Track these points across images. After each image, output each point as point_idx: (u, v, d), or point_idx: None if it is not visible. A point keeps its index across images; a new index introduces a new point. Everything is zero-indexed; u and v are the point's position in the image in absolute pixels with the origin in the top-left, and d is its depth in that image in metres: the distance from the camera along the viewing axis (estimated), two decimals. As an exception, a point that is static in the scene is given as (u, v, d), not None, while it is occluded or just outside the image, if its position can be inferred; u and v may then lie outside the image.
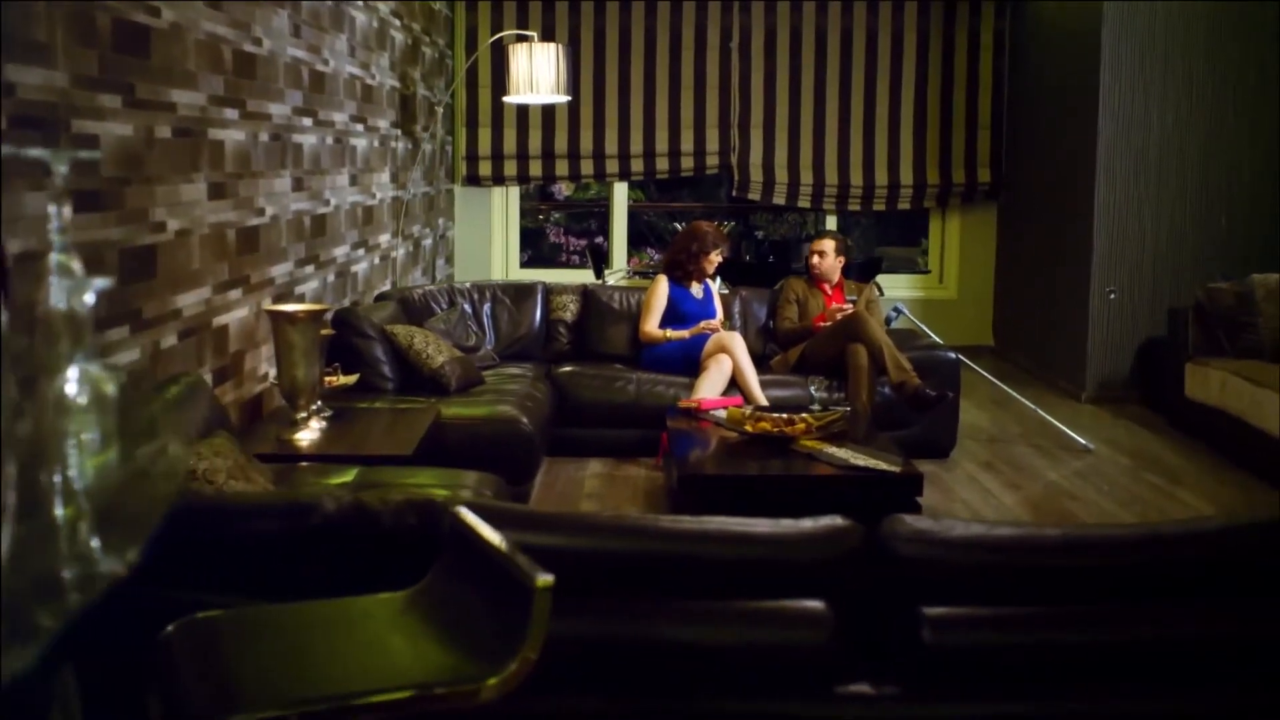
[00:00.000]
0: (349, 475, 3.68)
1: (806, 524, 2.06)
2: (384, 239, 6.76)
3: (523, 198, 10.47)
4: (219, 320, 4.14)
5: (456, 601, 1.48)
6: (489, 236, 9.23)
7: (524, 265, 9.72)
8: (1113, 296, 7.21)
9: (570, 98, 6.86)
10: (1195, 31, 7.07)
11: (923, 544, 2.03)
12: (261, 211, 4.57)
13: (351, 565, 2.12)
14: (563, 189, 11.12)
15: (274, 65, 4.69)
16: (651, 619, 1.95)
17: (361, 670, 1.39)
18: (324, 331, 4.27)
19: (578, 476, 5.53)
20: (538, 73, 6.56)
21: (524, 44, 6.57)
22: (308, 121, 5.18)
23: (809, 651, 1.96)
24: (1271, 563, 2.06)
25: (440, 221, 8.50)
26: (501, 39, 7.29)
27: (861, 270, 7.59)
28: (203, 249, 3.96)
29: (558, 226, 11.55)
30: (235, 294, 4.29)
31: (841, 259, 6.39)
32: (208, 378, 4.04)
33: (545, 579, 1.34)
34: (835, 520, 2.07)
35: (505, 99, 6.85)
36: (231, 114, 4.21)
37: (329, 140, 5.53)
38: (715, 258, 6.21)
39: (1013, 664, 1.98)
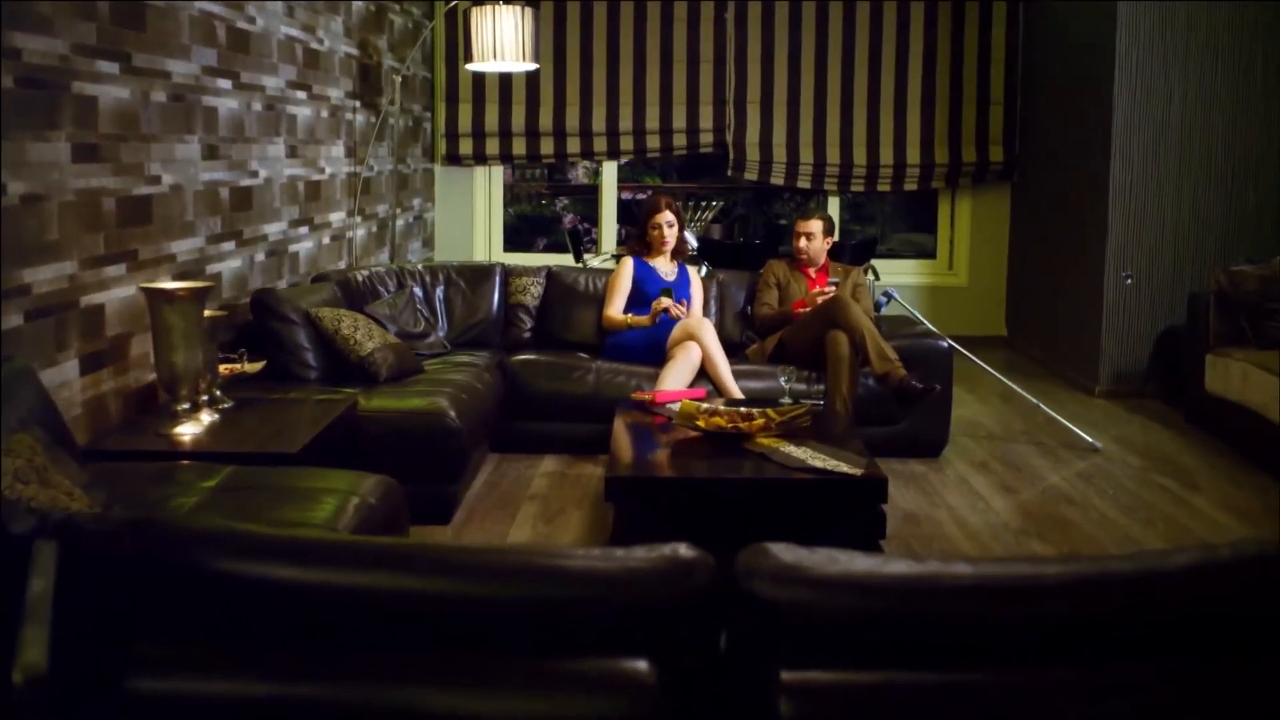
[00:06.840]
0: (214, 479, 3.20)
1: (637, 554, 1.55)
2: (336, 217, 6.28)
3: (528, 180, 10.00)
4: (91, 299, 3.66)
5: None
6: (471, 218, 8.73)
7: (541, 250, 9.27)
8: (1129, 282, 6.63)
9: (537, 65, 6.33)
10: (1221, -8, 6.47)
11: (789, 584, 1.51)
12: (156, 179, 4.09)
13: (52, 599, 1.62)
14: (580, 173, 10.59)
15: (172, 17, 4.21)
16: (413, 682, 1.45)
17: None
18: (210, 313, 3.79)
19: (526, 475, 5.03)
20: (502, 37, 6.05)
21: (487, 6, 6.05)
22: (225, 84, 4.70)
23: (626, 729, 1.45)
24: (1263, 613, 1.53)
25: (416, 202, 8.01)
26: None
27: (856, 253, 7.03)
28: (64, 218, 3.48)
29: (574, 214, 11.01)
30: (115, 270, 3.81)
31: (829, 240, 5.86)
32: (73, 364, 3.57)
33: None
34: (676, 550, 1.56)
35: (467, 66, 6.34)
36: (108, 67, 3.73)
37: (256, 106, 5.05)
38: (665, 219, 5.65)
39: (901, 750, 1.46)
